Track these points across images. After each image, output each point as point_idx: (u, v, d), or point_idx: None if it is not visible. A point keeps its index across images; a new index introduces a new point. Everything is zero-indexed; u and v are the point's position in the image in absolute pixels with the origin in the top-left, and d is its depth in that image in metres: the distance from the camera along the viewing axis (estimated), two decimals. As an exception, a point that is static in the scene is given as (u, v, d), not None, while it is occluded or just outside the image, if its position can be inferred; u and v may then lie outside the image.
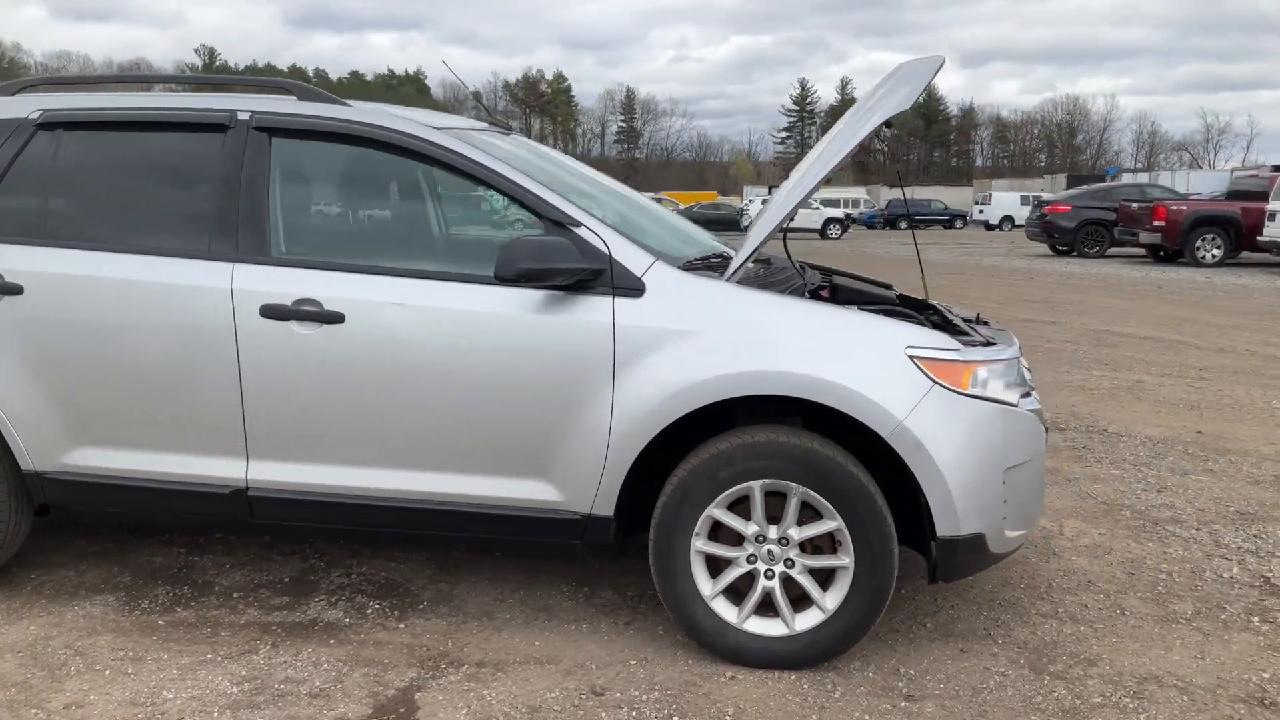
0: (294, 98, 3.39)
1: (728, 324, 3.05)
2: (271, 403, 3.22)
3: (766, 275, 3.31)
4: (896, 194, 60.05)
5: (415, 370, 3.14)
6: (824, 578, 3.10)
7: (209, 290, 3.19)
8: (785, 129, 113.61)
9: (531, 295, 3.08)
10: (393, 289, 3.13)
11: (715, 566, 3.15)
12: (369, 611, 3.48)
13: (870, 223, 48.64)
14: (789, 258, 3.77)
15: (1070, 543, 4.23)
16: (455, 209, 3.39)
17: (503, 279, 2.94)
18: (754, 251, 3.14)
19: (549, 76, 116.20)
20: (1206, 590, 3.76)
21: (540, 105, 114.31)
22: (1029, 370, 3.63)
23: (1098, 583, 3.82)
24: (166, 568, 3.84)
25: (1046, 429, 3.54)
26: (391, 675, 3.05)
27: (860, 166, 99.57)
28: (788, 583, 3.10)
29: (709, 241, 3.99)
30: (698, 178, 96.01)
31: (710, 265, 3.39)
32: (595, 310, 3.06)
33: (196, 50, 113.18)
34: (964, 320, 3.80)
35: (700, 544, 3.09)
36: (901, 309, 3.61)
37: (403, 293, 3.13)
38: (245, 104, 3.37)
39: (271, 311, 3.16)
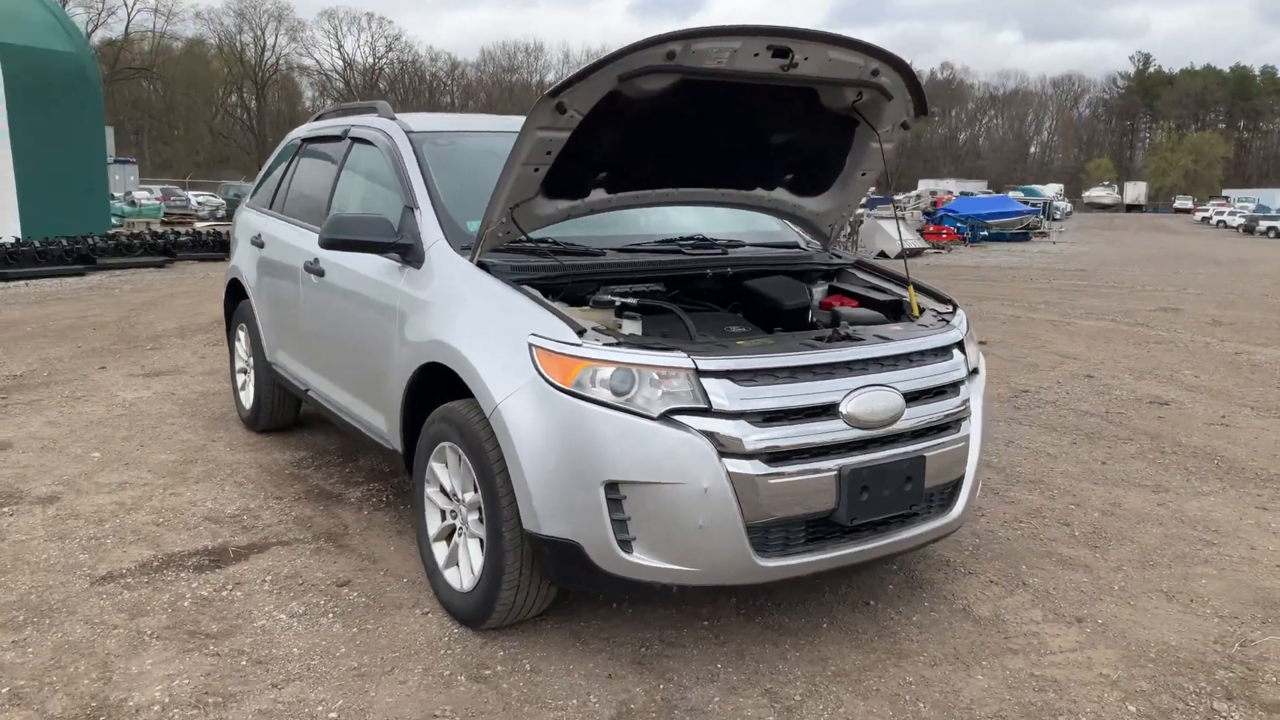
0: (376, 114, 4.62)
1: (448, 298, 3.41)
2: (313, 327, 4.58)
3: (521, 259, 3.41)
4: None
5: (342, 313, 4.18)
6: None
7: (296, 248, 4.68)
8: None
9: (390, 263, 3.84)
10: (344, 253, 4.18)
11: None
12: (370, 501, 4.59)
13: None
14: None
15: (1024, 661, 3.11)
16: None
17: (321, 245, 3.78)
18: (484, 232, 3.35)
19: None
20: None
21: None
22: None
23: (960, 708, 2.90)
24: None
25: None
26: (294, 532, 4.17)
27: None
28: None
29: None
30: None
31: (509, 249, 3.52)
32: (400, 277, 3.70)
33: (1131, 58, 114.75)
34: (840, 327, 3.25)
35: (429, 490, 3.51)
36: (664, 305, 3.31)
37: (344, 256, 4.16)
38: (357, 120, 4.73)
39: (308, 266, 4.51)
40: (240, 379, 5.87)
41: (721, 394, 2.86)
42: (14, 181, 15.36)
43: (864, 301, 3.88)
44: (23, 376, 7.19)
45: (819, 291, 4.04)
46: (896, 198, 55.45)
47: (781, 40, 3.09)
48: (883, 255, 23.86)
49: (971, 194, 49.70)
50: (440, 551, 3.48)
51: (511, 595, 3.11)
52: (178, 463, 5.12)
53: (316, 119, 5.49)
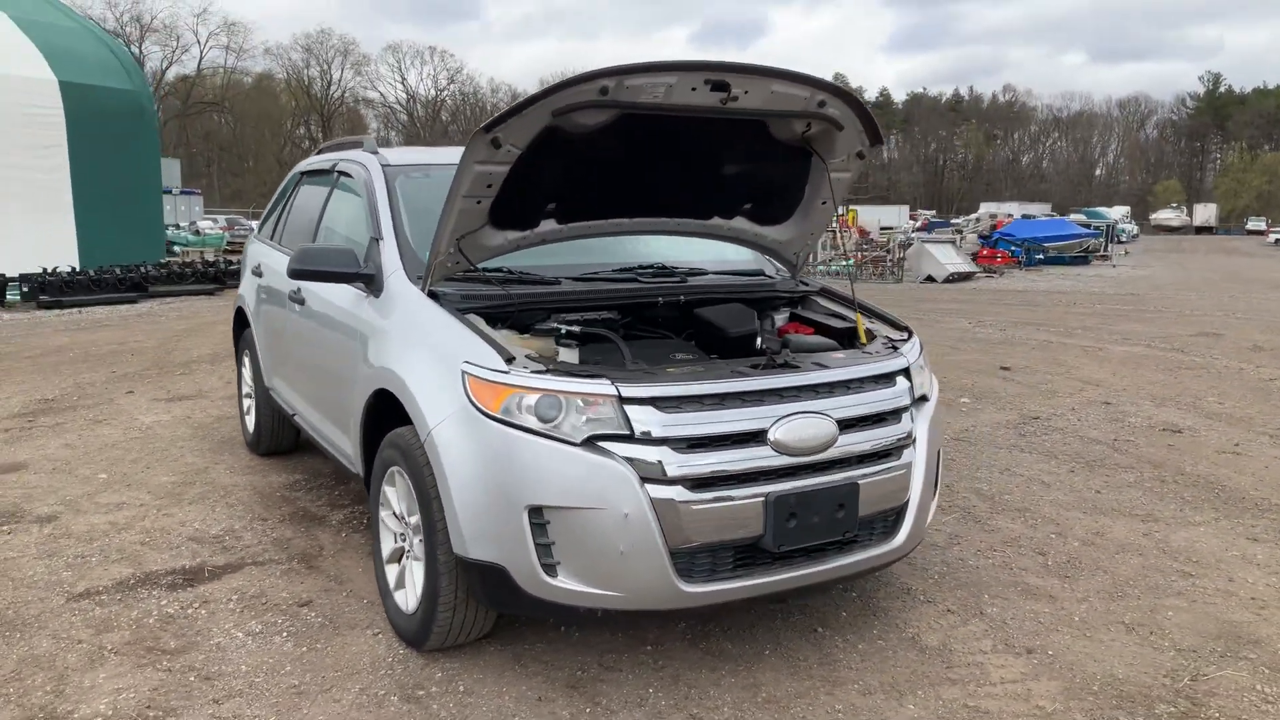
0: (361, 149, 4.76)
1: (400, 326, 3.50)
2: (297, 354, 4.72)
3: (472, 288, 3.49)
4: None
5: (318, 341, 4.31)
6: (430, 568, 3.31)
7: (283, 276, 4.82)
8: None
9: (358, 293, 3.95)
10: (321, 284, 4.30)
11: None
12: (351, 524, 4.68)
13: None
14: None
15: (960, 691, 3.08)
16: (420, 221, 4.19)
17: (289, 275, 3.90)
18: (433, 263, 3.44)
19: None
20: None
21: None
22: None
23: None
24: (354, 472, 5.58)
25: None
26: (270, 553, 4.28)
27: None
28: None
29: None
30: None
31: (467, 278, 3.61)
32: (364, 306, 3.81)
33: (1201, 78, 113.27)
34: (766, 351, 3.32)
35: (383, 513, 3.60)
36: (595, 330, 3.36)
37: (321, 286, 4.28)
38: (345, 154, 4.88)
39: (291, 295, 4.65)
40: (246, 403, 6.05)
41: (644, 420, 2.90)
42: (73, 213, 16.02)
43: (820, 329, 3.88)
44: (53, 400, 7.49)
45: (780, 318, 4.06)
46: (954, 221, 55.06)
47: (719, 75, 3.14)
48: (930, 280, 23.60)
49: (1033, 217, 48.89)
50: (392, 573, 3.56)
51: (448, 617, 3.17)
52: (177, 484, 5.29)
53: (317, 153, 5.67)
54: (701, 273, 4.08)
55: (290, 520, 4.73)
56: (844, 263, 26.58)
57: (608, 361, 3.27)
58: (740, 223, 4.01)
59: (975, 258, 29.62)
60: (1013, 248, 32.04)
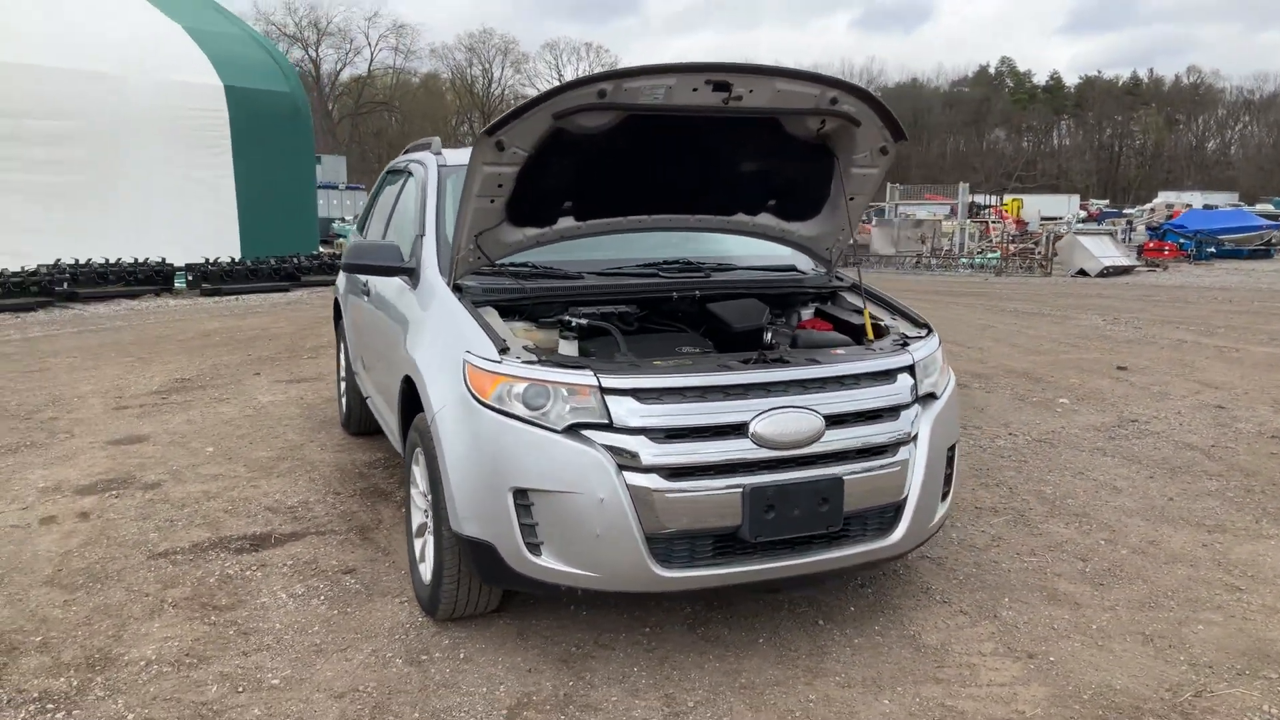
0: (429, 149, 5.05)
1: (428, 317, 3.74)
2: (366, 341, 5.07)
3: (496, 282, 3.67)
4: None
5: (377, 329, 4.62)
6: (445, 543, 3.54)
7: (359, 269, 5.19)
8: None
9: (405, 285, 4.23)
10: (379, 277, 4.62)
11: (436, 514, 3.85)
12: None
13: None
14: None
15: (941, 690, 3.07)
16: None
17: (341, 269, 4.21)
18: (455, 258, 3.65)
19: None
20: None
21: None
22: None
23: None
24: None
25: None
26: (334, 524, 4.64)
27: None
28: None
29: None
30: None
31: (497, 272, 3.83)
32: (407, 297, 4.08)
33: None
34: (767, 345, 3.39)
35: (413, 491, 3.86)
36: (600, 323, 3.48)
37: (378, 279, 4.60)
38: (416, 155, 5.18)
39: (361, 287, 5.00)
40: (341, 386, 6.49)
41: (623, 411, 3.02)
42: (236, 208, 17.33)
43: (840, 325, 3.90)
44: (188, 380, 8.21)
45: (807, 313, 4.09)
46: (1127, 211, 51.95)
47: (718, 75, 3.22)
48: (1082, 274, 22.48)
49: (1215, 207, 45.66)
50: (418, 547, 3.81)
51: (453, 589, 3.40)
52: (271, 459, 5.76)
53: (402, 153, 6.02)
54: (729, 268, 4.16)
55: (360, 495, 5.08)
56: (992, 255, 25.69)
57: (605, 353, 3.41)
58: (766, 219, 4.06)
59: (1141, 250, 28.01)
60: (1182, 240, 30.08)
